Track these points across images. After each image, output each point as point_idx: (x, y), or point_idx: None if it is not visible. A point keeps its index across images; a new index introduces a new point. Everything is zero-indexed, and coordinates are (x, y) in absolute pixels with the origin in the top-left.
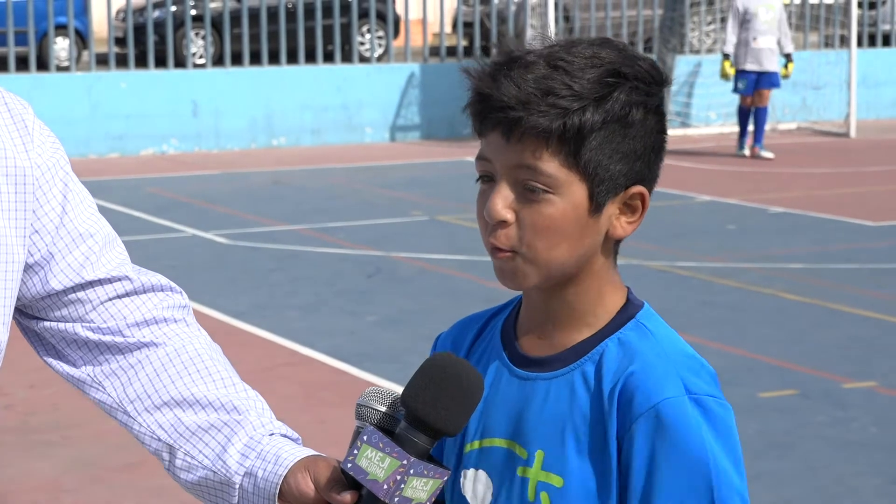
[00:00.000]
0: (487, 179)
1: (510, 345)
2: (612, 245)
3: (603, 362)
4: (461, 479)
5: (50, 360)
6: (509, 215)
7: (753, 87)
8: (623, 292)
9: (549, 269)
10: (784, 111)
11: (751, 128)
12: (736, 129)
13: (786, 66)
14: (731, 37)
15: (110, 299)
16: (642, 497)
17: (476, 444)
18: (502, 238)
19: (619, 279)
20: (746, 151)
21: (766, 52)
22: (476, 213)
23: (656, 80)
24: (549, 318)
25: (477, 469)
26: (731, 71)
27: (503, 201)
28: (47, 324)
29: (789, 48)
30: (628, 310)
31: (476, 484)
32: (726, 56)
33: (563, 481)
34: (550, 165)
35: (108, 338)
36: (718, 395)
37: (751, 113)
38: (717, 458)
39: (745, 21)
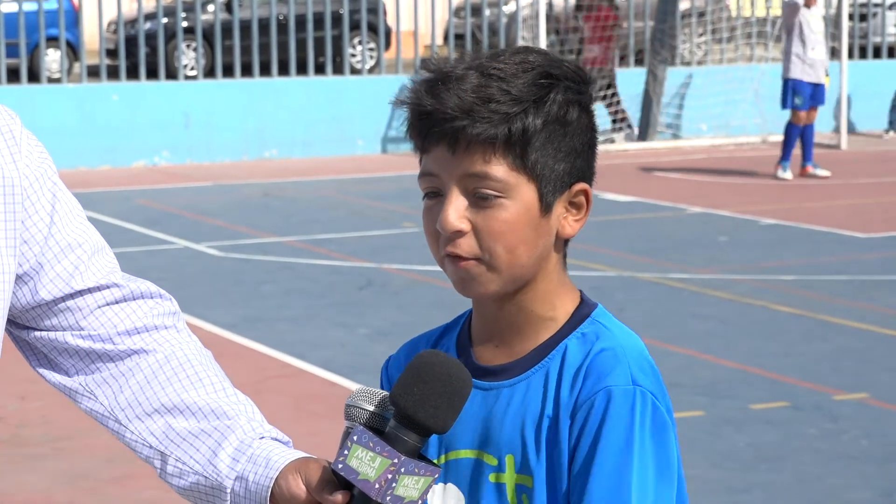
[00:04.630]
0: (434, 195)
1: (467, 358)
2: (561, 245)
3: (565, 359)
4: (427, 495)
5: (42, 370)
6: (464, 225)
7: (810, 103)
8: (576, 293)
9: (511, 273)
10: (774, 122)
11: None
12: (726, 140)
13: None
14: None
15: (100, 307)
16: (580, 472)
17: (441, 459)
18: (464, 247)
19: (569, 281)
20: (789, 174)
21: (820, 63)
22: (424, 229)
23: (584, 80)
24: (505, 326)
25: (445, 483)
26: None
27: (456, 212)
28: (38, 333)
29: (827, 61)
30: (583, 310)
31: (446, 498)
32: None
33: (534, 480)
34: (499, 170)
35: (98, 345)
36: (661, 399)
37: (799, 132)
38: (642, 452)
39: (799, 28)
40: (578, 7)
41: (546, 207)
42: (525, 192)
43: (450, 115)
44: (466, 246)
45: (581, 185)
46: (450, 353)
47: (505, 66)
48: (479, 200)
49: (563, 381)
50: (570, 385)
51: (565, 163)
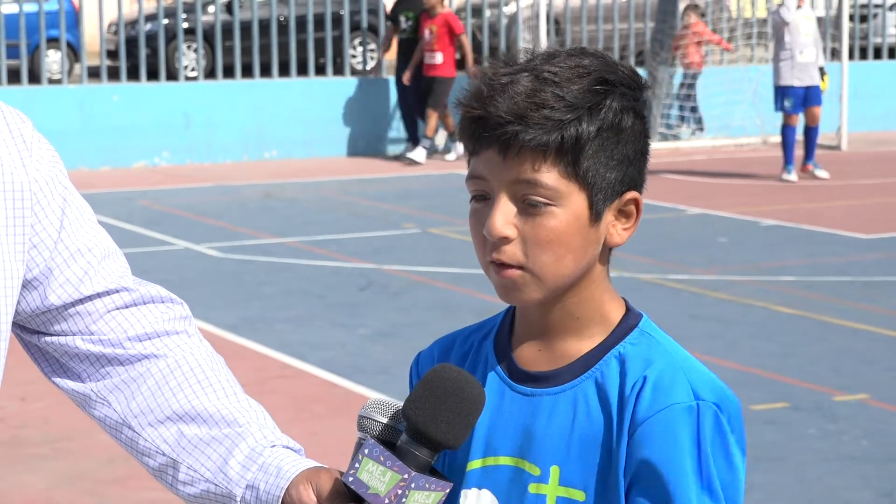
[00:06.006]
0: (481, 198)
1: (507, 361)
2: (607, 253)
3: (611, 373)
4: (461, 500)
5: (56, 379)
6: (511, 231)
7: (802, 105)
8: (621, 302)
9: (555, 282)
10: (774, 123)
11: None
12: (727, 141)
13: (822, 80)
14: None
15: (109, 311)
16: (649, 493)
17: (478, 463)
18: (509, 254)
19: (613, 288)
20: (794, 176)
21: (812, 65)
22: (470, 231)
23: (639, 85)
24: (549, 331)
25: (480, 489)
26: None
27: (504, 217)
28: (48, 338)
29: (822, 62)
30: (629, 320)
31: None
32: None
33: (586, 495)
34: (550, 177)
35: (108, 350)
36: (725, 406)
37: (795, 133)
38: (713, 469)
39: (787, 34)
40: (426, 11)
41: (596, 216)
42: (575, 201)
43: (503, 120)
44: (511, 253)
45: (632, 194)
46: (488, 357)
47: (559, 70)
48: (528, 207)
49: (617, 397)
50: (628, 401)
51: (617, 171)
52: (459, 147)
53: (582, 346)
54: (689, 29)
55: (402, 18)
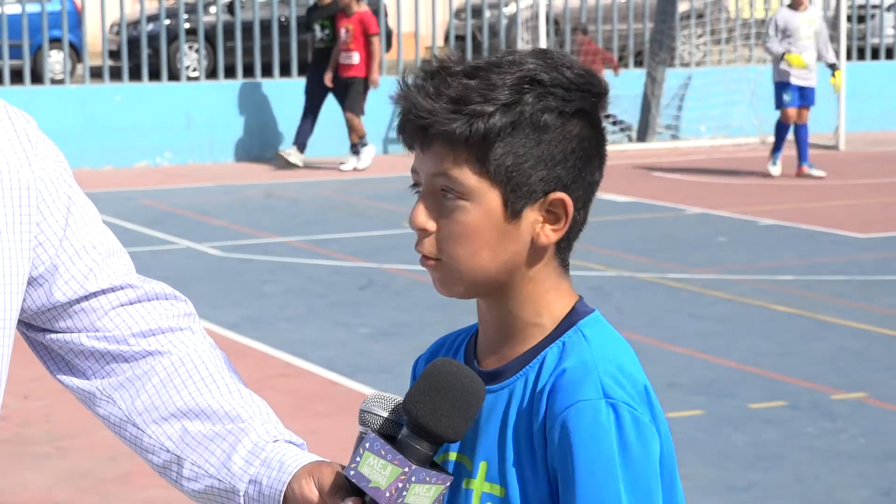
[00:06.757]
0: (418, 191)
1: (470, 362)
2: (545, 252)
3: (542, 369)
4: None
5: (61, 376)
6: (430, 224)
7: (799, 102)
8: (571, 300)
9: (472, 276)
10: (772, 123)
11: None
12: (725, 141)
13: (833, 76)
14: (778, 47)
15: (114, 308)
16: (565, 495)
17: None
18: (427, 246)
19: (567, 286)
20: (777, 170)
21: (810, 67)
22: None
23: (580, 88)
24: (497, 331)
25: None
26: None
27: (423, 210)
28: (53, 335)
29: (833, 58)
30: (572, 317)
31: None
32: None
33: (505, 491)
34: (461, 172)
35: (113, 347)
36: (636, 408)
37: (789, 130)
38: (623, 468)
39: (786, 37)
40: (343, 10)
41: (513, 214)
42: (488, 197)
43: (415, 115)
44: (429, 245)
45: (558, 195)
46: (458, 358)
47: (492, 69)
48: (445, 201)
49: (536, 394)
50: (541, 398)
51: (539, 170)
52: (360, 158)
53: (525, 344)
54: (581, 48)
55: (318, 27)
